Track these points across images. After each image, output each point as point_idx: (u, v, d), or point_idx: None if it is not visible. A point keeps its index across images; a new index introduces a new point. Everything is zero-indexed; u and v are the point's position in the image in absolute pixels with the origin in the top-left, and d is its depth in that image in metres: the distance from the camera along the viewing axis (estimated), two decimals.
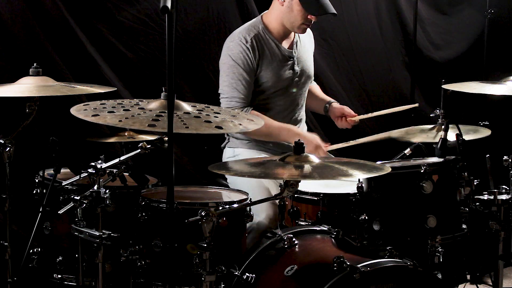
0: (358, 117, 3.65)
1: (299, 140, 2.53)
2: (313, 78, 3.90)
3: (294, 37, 3.67)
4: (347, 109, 3.72)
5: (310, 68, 3.76)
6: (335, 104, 3.79)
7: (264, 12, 3.66)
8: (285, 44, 3.63)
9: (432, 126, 3.42)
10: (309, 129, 3.97)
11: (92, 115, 2.32)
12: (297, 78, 3.65)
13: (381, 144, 4.73)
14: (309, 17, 3.50)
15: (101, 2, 3.90)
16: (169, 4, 1.98)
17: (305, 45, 3.75)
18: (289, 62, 3.61)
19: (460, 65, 5.36)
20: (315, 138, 3.53)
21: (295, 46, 3.65)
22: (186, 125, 2.28)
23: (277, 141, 3.59)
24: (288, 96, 3.64)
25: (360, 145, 4.77)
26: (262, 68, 3.52)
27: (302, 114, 3.77)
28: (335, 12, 3.53)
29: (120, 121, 2.27)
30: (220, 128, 2.37)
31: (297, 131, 3.55)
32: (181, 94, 3.88)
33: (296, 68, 3.63)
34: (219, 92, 3.57)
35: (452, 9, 5.48)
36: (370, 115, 3.73)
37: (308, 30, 3.76)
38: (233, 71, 3.48)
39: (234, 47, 3.51)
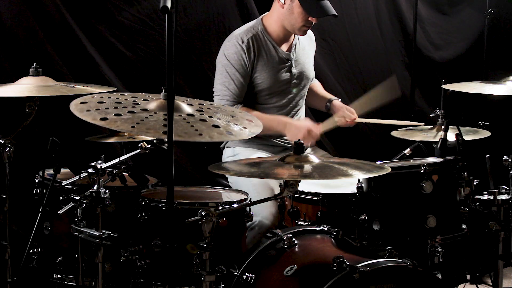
0: (357, 120, 3.63)
1: (298, 140, 2.53)
2: (313, 79, 3.90)
3: (293, 39, 3.67)
4: (347, 110, 3.68)
5: (309, 70, 3.76)
6: (336, 102, 3.77)
7: (265, 14, 3.67)
8: (284, 47, 3.64)
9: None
10: None
11: (101, 119, 2.26)
12: (295, 80, 3.65)
13: (381, 144, 4.73)
14: (309, 19, 3.50)
15: (101, 2, 3.90)
16: (169, 4, 1.98)
17: (305, 48, 3.75)
18: (287, 64, 3.62)
19: (460, 65, 5.35)
20: (305, 122, 3.54)
21: (293, 48, 3.65)
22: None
23: (270, 134, 3.59)
24: (286, 98, 3.65)
25: (361, 145, 4.79)
26: (258, 69, 3.54)
27: (301, 115, 3.78)
28: (336, 14, 3.54)
29: (133, 127, 2.22)
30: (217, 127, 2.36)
31: (286, 119, 3.56)
32: (181, 94, 3.87)
33: (294, 70, 3.64)
34: (213, 90, 3.60)
35: (452, 9, 5.48)
36: (371, 120, 3.71)
37: (309, 32, 3.75)
38: (226, 70, 3.51)
39: (230, 47, 3.54)
